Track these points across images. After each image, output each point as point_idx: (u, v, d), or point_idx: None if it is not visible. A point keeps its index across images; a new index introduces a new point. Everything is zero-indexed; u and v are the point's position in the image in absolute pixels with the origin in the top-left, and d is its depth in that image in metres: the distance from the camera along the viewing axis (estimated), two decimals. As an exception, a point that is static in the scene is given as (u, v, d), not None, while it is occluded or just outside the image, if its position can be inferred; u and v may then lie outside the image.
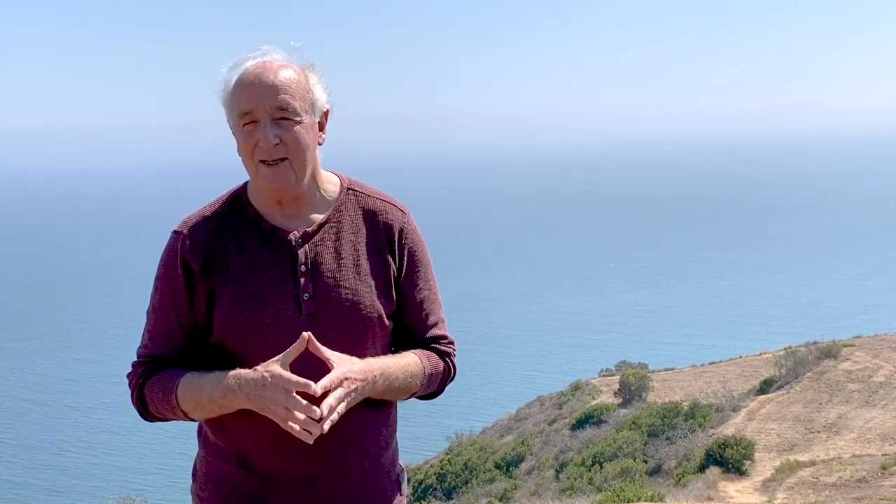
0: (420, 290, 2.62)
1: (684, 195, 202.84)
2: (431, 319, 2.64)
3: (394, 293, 2.57)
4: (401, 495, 2.66)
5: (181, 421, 2.55)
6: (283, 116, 2.44)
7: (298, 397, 2.31)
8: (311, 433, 2.32)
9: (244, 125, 2.45)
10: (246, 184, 2.58)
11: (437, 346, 2.65)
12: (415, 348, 2.61)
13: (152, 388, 2.49)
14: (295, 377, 2.33)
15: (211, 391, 2.40)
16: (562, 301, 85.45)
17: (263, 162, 2.45)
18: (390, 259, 2.57)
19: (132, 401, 2.54)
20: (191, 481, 2.67)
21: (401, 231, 2.60)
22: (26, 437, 51.40)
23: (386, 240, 2.58)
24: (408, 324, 2.61)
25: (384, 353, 2.56)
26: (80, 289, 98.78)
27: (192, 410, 2.46)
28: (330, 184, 2.60)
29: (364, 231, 2.56)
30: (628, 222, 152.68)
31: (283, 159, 2.44)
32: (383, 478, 2.60)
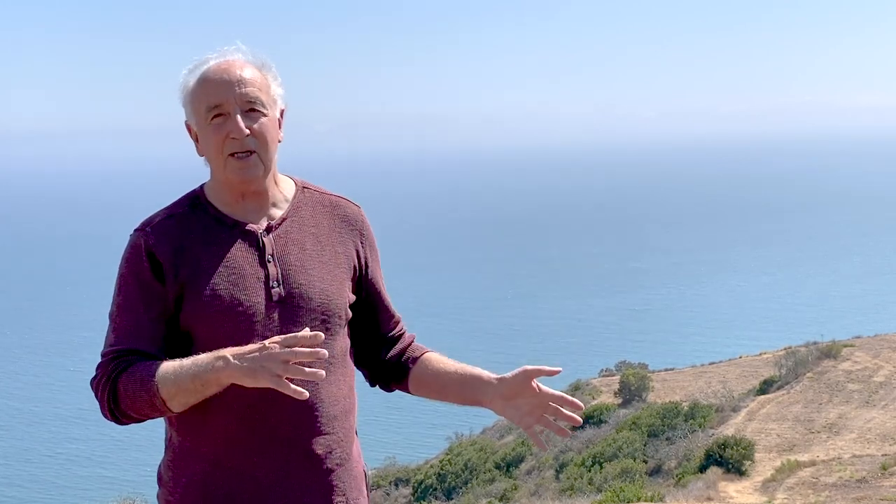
0: (381, 283, 2.76)
1: (683, 195, 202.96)
2: (396, 313, 2.79)
3: (352, 285, 2.65)
4: (367, 490, 2.70)
5: (152, 416, 2.48)
6: (252, 108, 2.50)
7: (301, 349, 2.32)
8: (305, 391, 2.32)
9: (213, 118, 2.50)
10: (202, 186, 2.63)
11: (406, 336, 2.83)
12: (377, 339, 2.74)
13: (128, 379, 2.44)
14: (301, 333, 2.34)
15: (196, 368, 2.37)
16: (561, 301, 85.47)
17: (232, 155, 2.50)
18: (351, 252, 2.66)
19: (100, 399, 2.50)
20: (157, 487, 2.65)
21: (360, 226, 2.70)
22: (14, 445, 51.14)
23: (345, 233, 2.67)
24: (376, 316, 2.74)
25: (347, 341, 2.63)
26: (79, 289, 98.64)
27: (172, 396, 2.40)
28: (286, 183, 2.67)
29: (324, 225, 2.64)
30: (627, 222, 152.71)
31: (251, 152, 2.50)
32: (353, 468, 2.64)
